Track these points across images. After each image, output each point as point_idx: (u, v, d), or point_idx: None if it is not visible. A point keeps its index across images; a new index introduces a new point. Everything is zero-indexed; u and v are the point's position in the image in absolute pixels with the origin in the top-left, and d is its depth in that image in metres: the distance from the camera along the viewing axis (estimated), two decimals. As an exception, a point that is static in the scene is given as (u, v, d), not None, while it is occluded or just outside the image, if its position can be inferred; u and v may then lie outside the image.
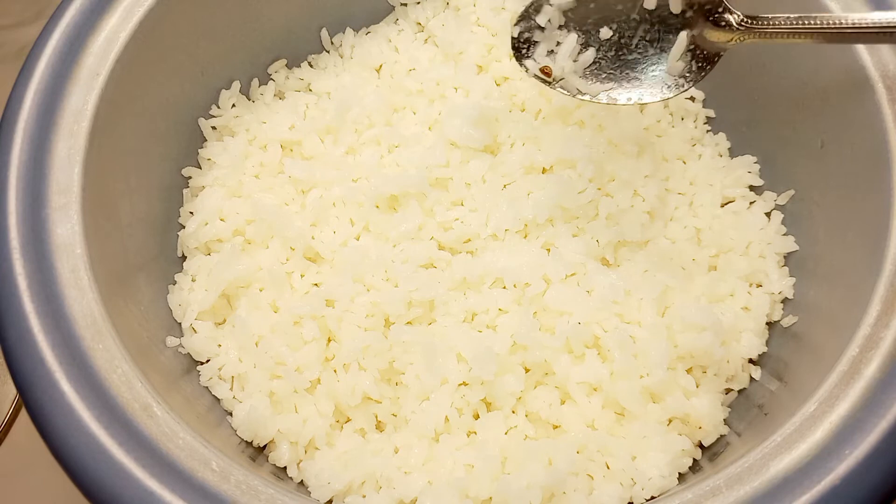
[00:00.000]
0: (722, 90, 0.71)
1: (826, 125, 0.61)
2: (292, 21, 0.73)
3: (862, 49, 0.57)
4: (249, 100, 0.72)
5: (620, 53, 0.56)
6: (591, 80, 0.56)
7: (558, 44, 0.57)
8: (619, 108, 0.70)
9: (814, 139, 0.63)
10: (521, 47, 0.58)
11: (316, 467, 0.57)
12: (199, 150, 0.69)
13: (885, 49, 0.57)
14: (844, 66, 0.58)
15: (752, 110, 0.69)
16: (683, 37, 0.55)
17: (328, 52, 0.75)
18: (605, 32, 0.56)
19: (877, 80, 0.57)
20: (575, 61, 0.57)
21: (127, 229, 0.60)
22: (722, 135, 0.72)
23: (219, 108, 0.70)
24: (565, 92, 0.57)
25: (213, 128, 0.70)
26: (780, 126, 0.67)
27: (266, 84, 0.73)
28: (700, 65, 0.56)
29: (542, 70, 0.55)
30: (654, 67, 0.56)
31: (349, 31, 0.74)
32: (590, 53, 0.56)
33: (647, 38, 0.56)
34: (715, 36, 0.55)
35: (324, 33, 0.75)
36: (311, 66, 0.75)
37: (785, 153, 0.67)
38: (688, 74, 0.55)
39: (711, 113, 0.73)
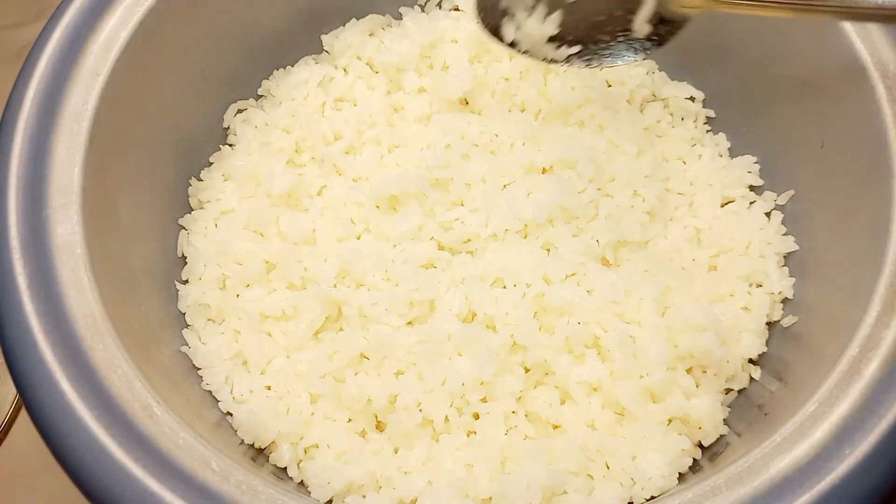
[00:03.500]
0: (722, 90, 0.71)
1: (826, 125, 0.61)
2: (293, 21, 0.72)
3: (862, 49, 0.57)
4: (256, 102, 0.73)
5: (587, 15, 0.55)
6: (558, 43, 0.55)
7: (526, 8, 0.55)
8: (619, 109, 0.70)
9: (814, 139, 0.63)
10: (487, 14, 0.56)
11: (316, 467, 0.57)
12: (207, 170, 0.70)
13: (885, 49, 0.57)
14: (845, 67, 0.58)
15: (752, 110, 0.69)
16: (650, 1, 0.54)
17: (328, 52, 0.75)
18: None
19: (877, 80, 0.57)
20: (531, 33, 0.56)
21: (127, 229, 0.60)
22: (722, 135, 0.72)
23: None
24: (535, 58, 0.56)
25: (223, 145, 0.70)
26: (780, 126, 0.67)
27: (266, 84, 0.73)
28: (666, 29, 0.55)
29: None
30: (620, 30, 0.55)
31: (349, 31, 0.74)
32: (553, 18, 0.55)
33: (614, 1, 0.55)
34: (681, 1, 0.54)
35: (324, 35, 0.75)
36: (315, 62, 0.75)
37: (785, 153, 0.67)
38: (654, 38, 0.55)
39: (711, 113, 0.73)
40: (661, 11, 0.54)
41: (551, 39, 0.56)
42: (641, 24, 0.54)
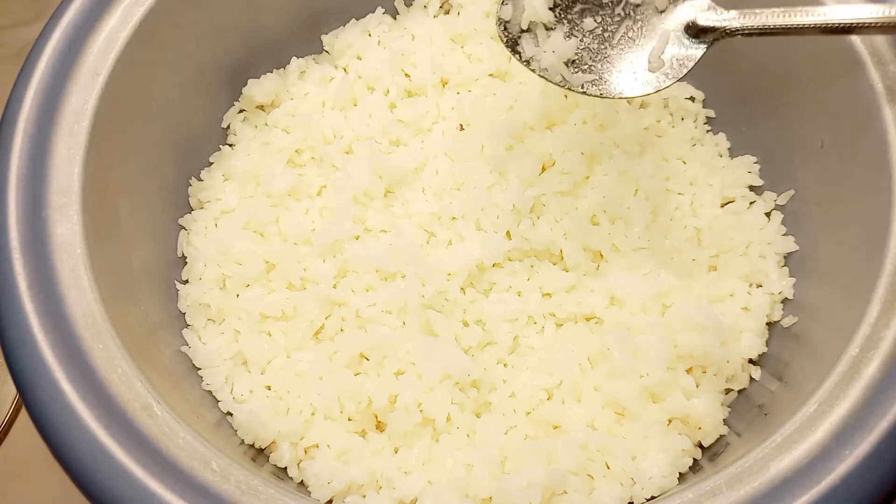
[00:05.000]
0: (722, 90, 0.71)
1: (826, 125, 0.61)
2: (293, 21, 0.72)
3: (862, 49, 0.57)
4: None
5: (603, 47, 0.57)
6: (574, 69, 0.56)
7: (546, 28, 0.56)
8: (620, 109, 0.70)
9: (814, 139, 0.63)
10: (507, 29, 0.57)
11: (316, 467, 0.57)
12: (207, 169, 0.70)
13: (885, 49, 0.57)
14: (845, 67, 0.58)
15: (752, 110, 0.69)
16: (665, 35, 0.56)
17: (328, 52, 0.75)
18: (590, 24, 0.56)
19: (877, 80, 0.57)
20: (554, 51, 0.57)
21: (127, 229, 0.60)
22: (722, 135, 0.72)
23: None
24: (549, 80, 0.57)
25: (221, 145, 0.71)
26: (780, 126, 0.67)
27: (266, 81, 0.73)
28: (681, 62, 0.56)
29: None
30: (635, 63, 0.56)
31: (349, 31, 0.74)
32: (572, 43, 0.56)
33: (630, 35, 0.56)
34: (698, 35, 0.55)
35: (324, 35, 0.75)
36: (315, 62, 0.75)
37: (785, 153, 0.67)
38: (669, 72, 0.56)
39: (711, 113, 0.73)
40: (678, 46, 0.55)
41: (568, 63, 0.57)
42: (656, 59, 0.55)
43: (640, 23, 0.56)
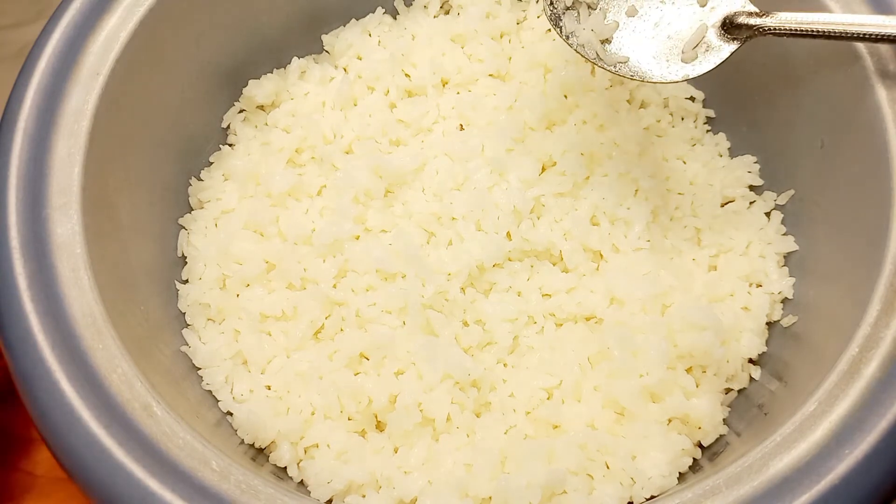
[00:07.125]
0: (722, 90, 0.71)
1: (826, 125, 0.61)
2: (293, 21, 0.73)
3: (863, 50, 0.57)
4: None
5: (640, 31, 0.59)
6: (609, 49, 0.59)
7: (589, 7, 0.59)
8: (620, 109, 0.70)
9: (814, 139, 0.63)
10: (553, 4, 0.60)
11: (316, 467, 0.57)
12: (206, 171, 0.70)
13: (885, 49, 0.57)
14: (845, 67, 0.58)
15: (752, 110, 0.69)
16: (703, 28, 0.57)
17: (328, 52, 0.75)
18: (631, 9, 0.59)
19: (877, 80, 0.57)
20: (593, 30, 0.59)
21: (127, 229, 0.60)
22: (722, 135, 0.72)
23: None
24: (584, 56, 0.59)
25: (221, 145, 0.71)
26: (780, 126, 0.67)
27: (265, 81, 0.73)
28: (712, 56, 0.58)
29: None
30: (668, 51, 0.58)
31: (349, 31, 0.74)
32: (611, 25, 0.58)
33: (668, 23, 0.58)
34: (732, 32, 0.57)
35: (324, 35, 0.75)
36: (315, 62, 0.75)
37: (785, 153, 0.67)
38: (699, 64, 0.58)
39: (711, 113, 0.73)
40: (711, 41, 0.58)
41: (604, 42, 0.59)
42: (689, 51, 0.57)
43: (679, 12, 0.58)
